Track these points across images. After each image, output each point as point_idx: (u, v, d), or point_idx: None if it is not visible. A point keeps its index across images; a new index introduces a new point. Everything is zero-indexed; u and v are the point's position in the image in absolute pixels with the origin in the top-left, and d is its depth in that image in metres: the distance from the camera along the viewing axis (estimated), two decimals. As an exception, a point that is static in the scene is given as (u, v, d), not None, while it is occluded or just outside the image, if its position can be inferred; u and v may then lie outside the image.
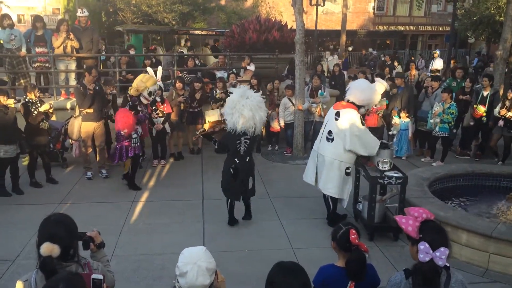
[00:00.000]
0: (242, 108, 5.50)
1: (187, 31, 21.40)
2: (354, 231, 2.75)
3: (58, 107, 8.79)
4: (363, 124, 5.76)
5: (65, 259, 2.39)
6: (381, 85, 6.16)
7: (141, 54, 14.92)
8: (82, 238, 2.60)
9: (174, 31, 20.48)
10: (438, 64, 16.12)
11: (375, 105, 9.19)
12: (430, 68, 16.14)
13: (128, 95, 7.32)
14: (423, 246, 2.32)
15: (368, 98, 5.82)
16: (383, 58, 19.09)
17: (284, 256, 5.06)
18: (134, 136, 7.11)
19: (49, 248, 2.28)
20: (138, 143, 7.22)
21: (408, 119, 9.00)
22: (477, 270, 4.91)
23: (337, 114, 5.76)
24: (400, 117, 9.03)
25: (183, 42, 22.32)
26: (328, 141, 5.79)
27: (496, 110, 8.41)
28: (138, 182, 7.49)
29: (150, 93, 7.29)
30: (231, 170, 5.74)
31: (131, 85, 7.41)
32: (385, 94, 9.24)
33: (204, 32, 20.92)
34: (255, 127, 5.61)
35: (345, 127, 5.64)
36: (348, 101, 5.83)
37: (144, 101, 7.34)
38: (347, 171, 5.77)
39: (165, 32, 20.20)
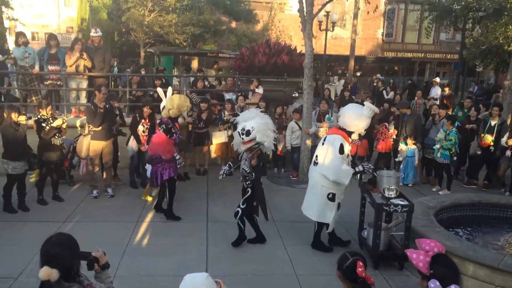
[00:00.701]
0: (270, 133, 5.86)
1: (217, 54, 21.67)
2: (361, 263, 2.70)
3: (68, 125, 8.87)
4: (342, 151, 5.64)
5: (66, 279, 2.40)
6: (368, 110, 5.86)
7: (151, 74, 15.12)
8: (86, 258, 2.59)
9: (204, 53, 20.74)
10: (434, 92, 15.66)
11: (389, 130, 9.27)
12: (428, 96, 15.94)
13: (160, 119, 7.40)
14: (433, 284, 2.28)
15: (353, 124, 5.74)
16: (375, 84, 19.21)
17: (287, 282, 5.05)
18: (178, 157, 7.24)
19: (47, 273, 2.29)
20: (182, 163, 7.46)
21: (414, 146, 8.99)
22: (483, 303, 4.83)
23: (325, 139, 5.88)
24: (406, 144, 9.03)
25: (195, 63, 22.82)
26: (315, 165, 5.90)
27: (504, 140, 8.39)
28: (141, 203, 7.50)
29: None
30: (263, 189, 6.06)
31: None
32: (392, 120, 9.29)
33: (233, 56, 21.16)
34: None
35: (324, 152, 5.74)
36: (339, 126, 5.88)
37: (181, 121, 7.53)
38: (329, 196, 5.76)
39: (196, 54, 20.47)
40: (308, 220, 6.85)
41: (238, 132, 5.76)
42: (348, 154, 5.79)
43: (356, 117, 5.76)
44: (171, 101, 7.48)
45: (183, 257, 5.65)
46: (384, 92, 16.10)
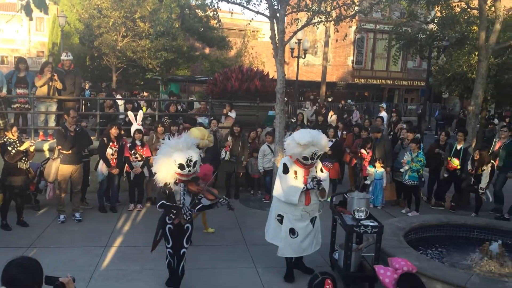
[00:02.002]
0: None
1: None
2: (329, 281, 2.72)
3: (36, 149, 8.68)
4: (287, 171, 5.57)
5: None
6: (299, 135, 5.54)
7: (125, 98, 15.04)
8: (53, 284, 2.53)
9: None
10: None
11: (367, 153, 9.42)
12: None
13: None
14: None
15: (288, 149, 5.58)
16: (340, 105, 19.73)
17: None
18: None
19: None
20: None
21: (382, 169, 9.15)
22: (452, 322, 4.87)
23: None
24: (374, 167, 9.19)
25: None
26: None
27: (469, 167, 8.71)
28: (109, 228, 7.34)
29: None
30: None
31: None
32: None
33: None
34: None
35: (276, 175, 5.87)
36: None
37: None
38: (278, 218, 5.73)
39: (202, 81, 20.70)
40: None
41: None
42: (298, 175, 5.50)
43: (289, 142, 5.57)
44: (201, 131, 7.89)
45: (152, 282, 5.52)
46: (354, 114, 16.47)
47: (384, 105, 17.67)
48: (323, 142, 5.46)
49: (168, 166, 4.77)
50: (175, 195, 4.94)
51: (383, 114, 15.61)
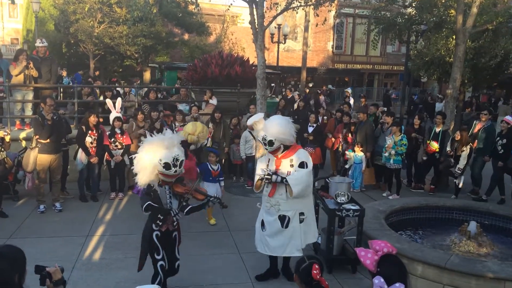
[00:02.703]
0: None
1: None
2: (317, 266, 2.73)
3: (12, 138, 8.49)
4: (262, 157, 5.59)
5: None
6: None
7: (104, 85, 14.77)
8: (40, 273, 2.49)
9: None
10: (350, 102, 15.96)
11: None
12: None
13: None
14: (377, 280, 2.32)
15: None
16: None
17: (243, 290, 5.02)
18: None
19: None
20: None
21: (361, 153, 9.21)
22: (432, 302, 4.99)
23: None
24: (354, 151, 9.25)
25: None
26: None
27: (448, 148, 8.85)
28: (91, 217, 7.26)
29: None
30: None
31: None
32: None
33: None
34: None
35: None
36: None
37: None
38: (259, 206, 5.54)
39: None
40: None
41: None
42: (270, 163, 5.19)
43: None
44: (195, 126, 7.65)
45: (134, 270, 5.47)
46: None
47: (349, 89, 17.56)
48: (272, 130, 4.89)
49: (152, 165, 4.25)
50: (161, 199, 4.46)
51: (350, 99, 15.74)
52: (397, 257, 2.56)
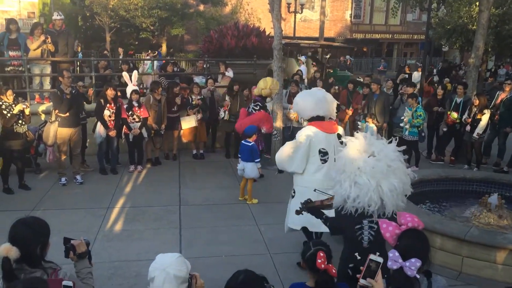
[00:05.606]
0: (358, 173, 3.15)
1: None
2: (322, 254, 2.65)
3: (32, 112, 8.60)
4: None
5: (29, 264, 2.34)
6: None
7: (120, 58, 14.78)
8: (65, 245, 2.54)
9: None
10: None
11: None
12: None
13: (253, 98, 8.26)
14: (392, 254, 2.28)
15: None
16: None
17: (262, 262, 5.08)
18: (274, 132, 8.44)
19: (6, 249, 2.25)
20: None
21: (373, 124, 9.02)
22: (451, 273, 4.97)
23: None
24: (366, 122, 9.09)
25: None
26: None
27: (465, 116, 8.65)
28: (111, 190, 7.36)
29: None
30: (349, 271, 3.22)
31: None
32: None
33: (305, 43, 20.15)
34: (382, 203, 3.11)
35: None
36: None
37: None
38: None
39: None
40: (281, 201, 6.89)
41: None
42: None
43: None
44: (265, 82, 7.99)
45: (155, 241, 5.60)
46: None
47: (303, 58, 16.80)
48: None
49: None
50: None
51: (302, 67, 15.06)
52: (421, 233, 2.46)
